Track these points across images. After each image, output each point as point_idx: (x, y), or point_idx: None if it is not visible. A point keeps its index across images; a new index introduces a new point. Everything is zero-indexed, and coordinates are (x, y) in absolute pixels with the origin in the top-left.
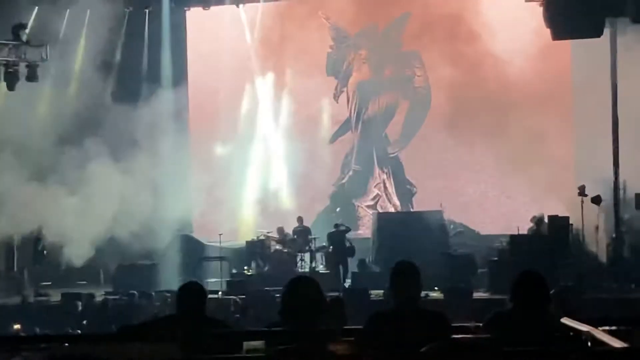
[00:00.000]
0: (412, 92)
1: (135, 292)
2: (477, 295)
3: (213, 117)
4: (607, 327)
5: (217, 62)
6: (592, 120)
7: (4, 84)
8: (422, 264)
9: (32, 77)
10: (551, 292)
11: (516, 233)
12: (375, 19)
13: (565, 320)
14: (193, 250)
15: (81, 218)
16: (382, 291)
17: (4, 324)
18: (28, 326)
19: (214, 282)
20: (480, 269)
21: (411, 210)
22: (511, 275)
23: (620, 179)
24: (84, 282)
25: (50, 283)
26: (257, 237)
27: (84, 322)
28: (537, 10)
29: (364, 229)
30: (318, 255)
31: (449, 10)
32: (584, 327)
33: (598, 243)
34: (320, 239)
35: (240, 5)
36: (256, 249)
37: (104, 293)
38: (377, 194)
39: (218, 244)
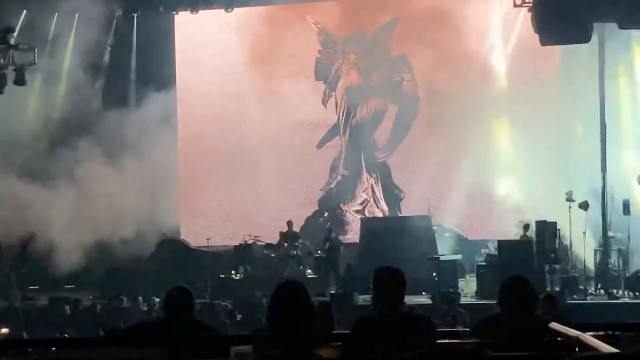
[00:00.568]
0: (401, 97)
1: (123, 296)
2: (464, 300)
3: (201, 122)
4: (594, 332)
5: (205, 67)
6: (580, 125)
7: None
8: (409, 268)
9: (20, 80)
10: (539, 297)
11: (504, 238)
12: (364, 24)
13: (553, 326)
14: (181, 254)
15: (69, 222)
16: (369, 296)
17: None
18: (15, 330)
19: (202, 286)
20: (468, 274)
21: (399, 215)
22: (499, 281)
23: (608, 185)
24: (72, 286)
25: (37, 287)
26: (245, 241)
27: (72, 326)
28: (526, 15)
29: (352, 234)
30: (306, 260)
31: (438, 16)
32: (571, 332)
33: (585, 248)
34: (308, 243)
35: (229, 10)
36: (244, 253)
37: (91, 297)
38: (365, 199)
39: (206, 248)
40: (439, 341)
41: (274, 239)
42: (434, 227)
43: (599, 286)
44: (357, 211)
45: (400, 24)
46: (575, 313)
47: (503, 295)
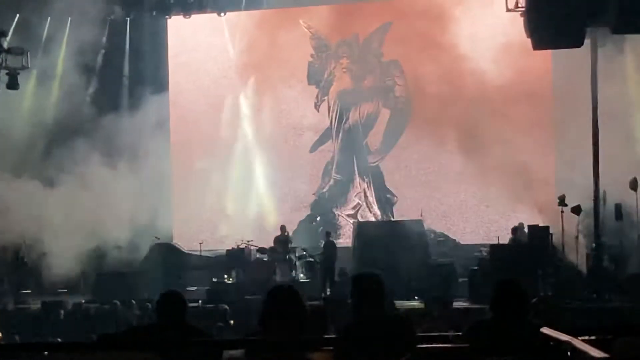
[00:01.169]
0: (393, 101)
1: (115, 300)
2: (457, 304)
3: (194, 126)
4: (587, 337)
5: (198, 71)
6: (573, 130)
7: None
8: (402, 273)
9: (12, 84)
10: (531, 301)
11: (496, 242)
12: (356, 28)
13: (545, 330)
14: (173, 259)
15: (61, 226)
16: None
17: None
18: (8, 334)
19: (195, 290)
20: (460, 279)
21: (391, 219)
22: (491, 285)
23: (601, 189)
24: (65, 290)
25: (30, 291)
26: (238, 245)
27: (64, 330)
28: (518, 19)
29: (345, 238)
30: (299, 264)
31: (429, 20)
32: (564, 337)
33: (578, 253)
34: (300, 248)
35: (222, 14)
36: (237, 257)
37: (84, 301)
38: (358, 203)
39: (198, 252)
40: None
41: (267, 243)
42: (427, 232)
43: (592, 290)
44: (349, 215)
45: (392, 28)
46: (567, 317)
47: (495, 299)
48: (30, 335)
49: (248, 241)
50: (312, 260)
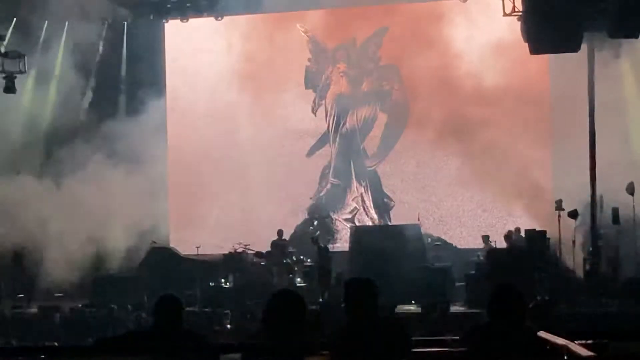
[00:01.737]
0: (390, 105)
1: (112, 304)
2: (454, 309)
3: (191, 130)
4: (583, 341)
5: (195, 75)
6: (570, 134)
7: None
8: (399, 277)
9: (10, 89)
10: (528, 306)
11: (493, 247)
12: (354, 32)
13: (542, 334)
14: (170, 263)
15: (58, 230)
16: None
17: None
18: (4, 339)
19: (191, 294)
20: (457, 283)
21: (389, 223)
22: (488, 289)
23: (597, 194)
24: (61, 295)
25: (26, 295)
26: (235, 249)
27: (61, 334)
28: (515, 24)
29: (342, 243)
30: (296, 269)
31: (427, 25)
32: (560, 341)
33: (575, 257)
34: (298, 252)
35: (219, 18)
36: (234, 261)
37: (80, 305)
38: (355, 208)
39: (195, 257)
40: (427, 350)
41: (264, 247)
42: (424, 236)
43: (588, 295)
44: (346, 220)
45: (390, 32)
46: (564, 321)
47: (492, 304)
48: (27, 340)
49: (245, 245)
50: (309, 264)
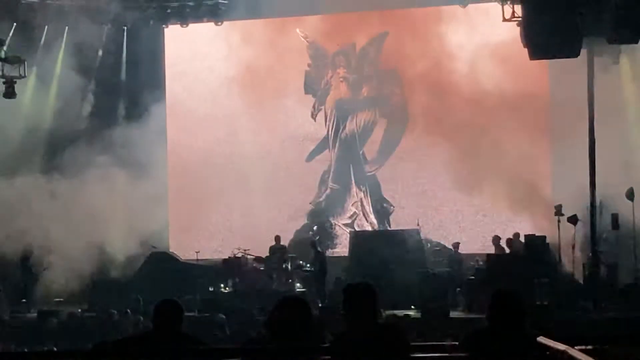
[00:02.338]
0: (390, 110)
1: (111, 309)
2: (453, 314)
3: (191, 134)
4: (583, 346)
5: (195, 80)
6: (570, 140)
7: None
8: (399, 282)
9: (10, 94)
10: (528, 311)
11: (493, 252)
12: (353, 37)
13: (541, 339)
14: (170, 268)
15: (57, 235)
16: None
17: None
18: (4, 343)
19: (191, 299)
20: (457, 288)
21: (388, 228)
22: (488, 294)
23: (597, 199)
24: (60, 300)
25: (26, 300)
26: (234, 254)
27: (60, 339)
28: (515, 29)
29: (341, 247)
30: (295, 274)
31: (427, 30)
32: (560, 346)
33: (574, 262)
34: (297, 257)
35: (219, 23)
36: (233, 266)
37: (80, 310)
38: (355, 212)
39: (195, 261)
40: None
41: (264, 252)
42: (423, 241)
43: (588, 300)
44: (346, 225)
45: (389, 37)
46: (564, 327)
47: (492, 309)
48: (26, 344)
49: (245, 250)
50: (308, 269)
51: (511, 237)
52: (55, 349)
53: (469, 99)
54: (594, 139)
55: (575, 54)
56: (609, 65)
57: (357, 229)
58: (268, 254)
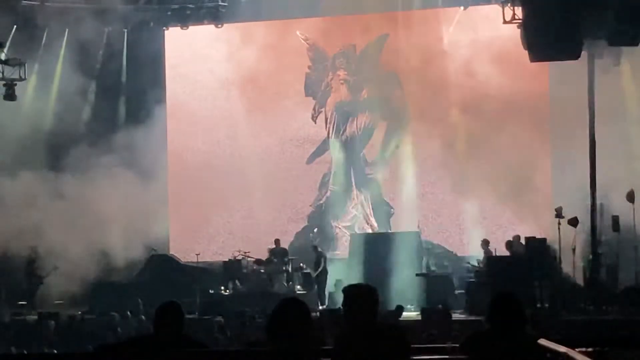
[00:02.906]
0: (390, 112)
1: (112, 311)
2: (454, 316)
3: (191, 136)
4: (583, 348)
5: (195, 82)
6: (570, 142)
7: None
8: (399, 284)
9: (10, 96)
10: (528, 313)
11: (493, 254)
12: (354, 40)
13: (542, 342)
14: (170, 270)
15: (58, 237)
16: None
17: None
18: (4, 345)
19: (191, 302)
20: (457, 290)
21: (389, 231)
22: (488, 297)
23: (598, 201)
24: (61, 302)
25: (26, 302)
26: (235, 257)
27: (61, 341)
28: (515, 32)
29: (342, 250)
30: (295, 276)
31: (427, 32)
32: (560, 348)
33: (575, 265)
34: (297, 259)
35: (219, 26)
36: (233, 268)
37: (80, 312)
38: (355, 215)
39: (195, 264)
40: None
41: (264, 254)
42: (424, 243)
43: (588, 302)
44: (346, 227)
45: (390, 39)
46: (564, 329)
47: (492, 311)
48: (27, 347)
49: (245, 253)
50: (309, 272)
51: (511, 239)
52: (55, 351)
53: (469, 101)
54: (595, 142)
55: (575, 56)
56: (610, 67)
57: (357, 231)
58: (268, 257)
